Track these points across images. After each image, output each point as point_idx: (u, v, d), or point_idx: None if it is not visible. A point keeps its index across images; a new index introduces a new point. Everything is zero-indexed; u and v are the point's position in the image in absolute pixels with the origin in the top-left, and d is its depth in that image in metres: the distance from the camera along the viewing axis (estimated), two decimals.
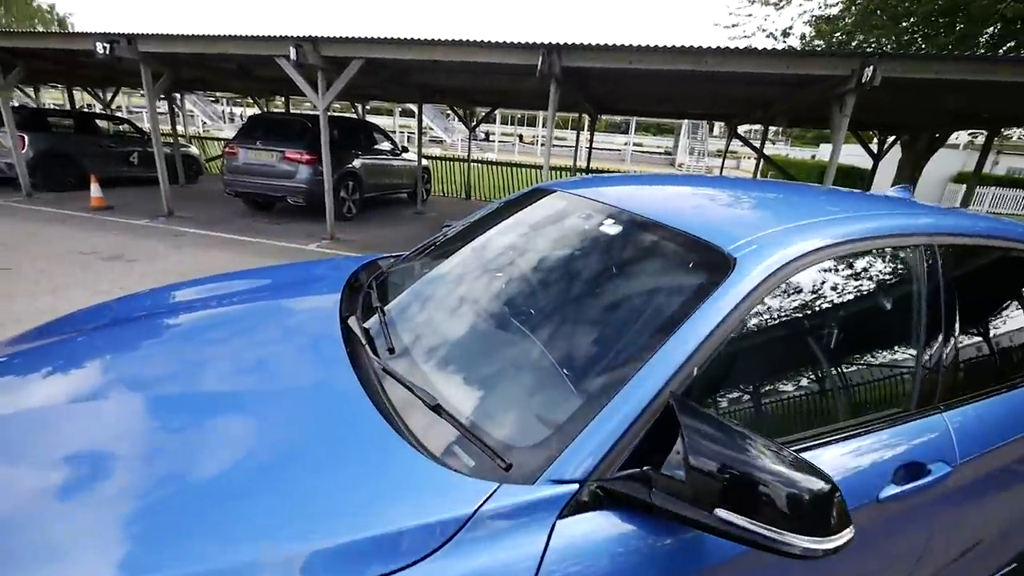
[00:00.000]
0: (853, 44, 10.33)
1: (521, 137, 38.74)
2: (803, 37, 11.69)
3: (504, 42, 4.89)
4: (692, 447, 0.74)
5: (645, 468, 0.81)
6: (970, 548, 1.30)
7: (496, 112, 15.07)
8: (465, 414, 0.94)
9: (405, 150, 9.80)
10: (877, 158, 9.71)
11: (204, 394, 1.07)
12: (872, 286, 1.17)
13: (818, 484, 0.70)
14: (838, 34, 10.38)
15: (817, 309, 1.09)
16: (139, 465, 0.87)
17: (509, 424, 0.92)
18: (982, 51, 8.69)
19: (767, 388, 1.03)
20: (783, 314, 1.02)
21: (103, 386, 1.12)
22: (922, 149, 10.30)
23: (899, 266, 1.18)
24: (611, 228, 1.29)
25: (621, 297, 1.09)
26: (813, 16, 10.97)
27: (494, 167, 11.85)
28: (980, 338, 1.30)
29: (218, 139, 14.47)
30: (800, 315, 1.06)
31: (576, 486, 0.79)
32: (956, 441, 1.13)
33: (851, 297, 1.14)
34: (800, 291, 1.04)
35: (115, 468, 0.86)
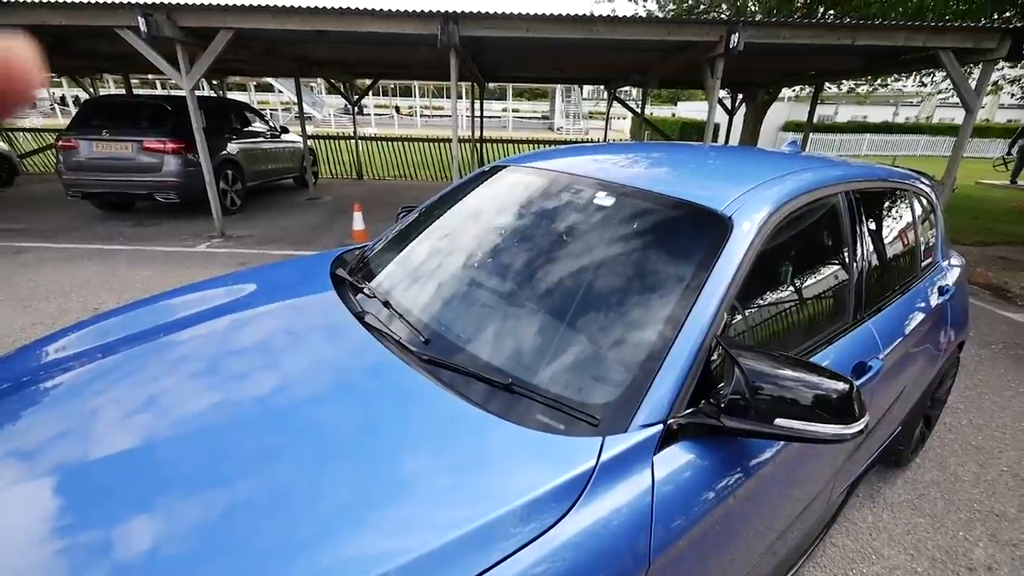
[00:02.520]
0: (700, 8, 11.48)
1: (398, 108, 36.99)
2: (658, 0, 12.73)
3: (399, 11, 4.66)
4: (752, 375, 0.91)
5: (708, 401, 0.98)
6: (884, 420, 1.72)
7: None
8: (539, 387, 1.03)
9: (284, 130, 8.92)
10: (732, 113, 11.04)
11: (297, 412, 1.02)
12: (821, 229, 1.46)
13: (842, 385, 0.92)
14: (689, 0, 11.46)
15: (792, 251, 1.34)
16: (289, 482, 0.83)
17: (581, 388, 1.03)
18: (797, 15, 10.24)
19: (769, 317, 1.26)
20: (771, 257, 1.24)
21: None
22: (761, 103, 11.96)
23: (834, 210, 1.48)
24: (607, 199, 1.42)
25: (648, 260, 1.23)
26: None
27: (386, 143, 11.30)
28: (882, 259, 1.68)
29: (24, 130, 11.79)
30: (781, 256, 1.30)
31: (661, 426, 0.94)
32: (880, 341, 1.49)
33: (810, 239, 1.42)
34: (778, 237, 1.27)
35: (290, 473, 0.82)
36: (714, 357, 1.02)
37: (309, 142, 9.48)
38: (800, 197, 1.35)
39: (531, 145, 11.58)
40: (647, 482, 0.88)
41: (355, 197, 8.82)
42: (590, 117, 35.91)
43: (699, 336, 1.02)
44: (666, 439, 0.94)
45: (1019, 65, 10.82)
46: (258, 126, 8.21)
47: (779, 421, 0.91)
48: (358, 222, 5.76)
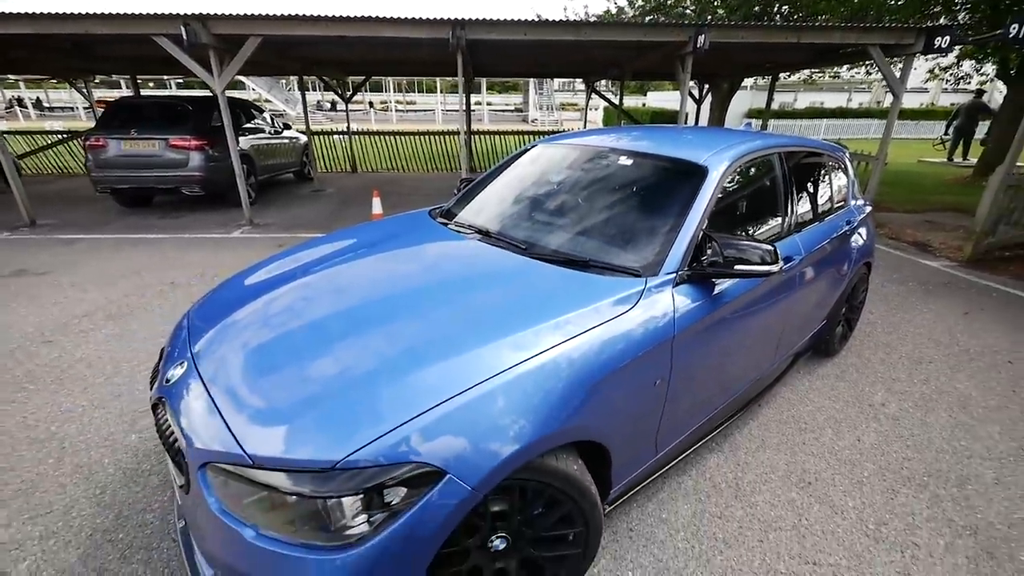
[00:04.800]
0: (668, 3, 12.37)
1: (371, 104, 37.10)
2: None
3: (415, 18, 5.33)
4: (722, 247, 1.72)
5: (700, 262, 1.77)
6: (809, 308, 2.58)
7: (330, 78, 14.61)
8: (605, 260, 1.80)
9: (287, 127, 9.42)
10: (699, 102, 12.01)
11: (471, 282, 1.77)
12: (764, 175, 2.28)
13: (768, 247, 1.72)
14: None
15: (744, 186, 2.16)
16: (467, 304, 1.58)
17: (631, 258, 1.81)
18: (756, 9, 11.26)
19: (730, 222, 2.08)
20: (730, 189, 2.06)
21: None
22: (725, 92, 12.98)
23: (771, 165, 2.30)
24: (628, 160, 2.22)
25: (661, 191, 2.02)
26: None
27: (376, 137, 11.85)
28: (805, 197, 2.53)
29: (18, 132, 11.86)
30: (737, 189, 2.12)
31: (675, 274, 1.73)
32: (802, 247, 2.33)
33: (756, 180, 2.24)
34: (735, 179, 2.08)
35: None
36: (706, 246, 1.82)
37: (304, 138, 9.99)
38: (749, 154, 2.17)
39: (517, 137, 12.32)
40: (670, 299, 1.67)
41: (356, 188, 9.43)
42: (563, 108, 36.77)
43: (693, 229, 1.81)
44: (680, 282, 1.74)
45: (950, 55, 12.13)
46: (262, 123, 8.70)
47: (737, 267, 1.72)
48: (377, 206, 6.43)
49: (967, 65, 12.93)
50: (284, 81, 33.83)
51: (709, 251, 1.76)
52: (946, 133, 15.25)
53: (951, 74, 13.05)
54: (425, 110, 41.55)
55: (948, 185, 10.45)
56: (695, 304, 1.74)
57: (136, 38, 5.50)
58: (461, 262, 1.93)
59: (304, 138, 10.00)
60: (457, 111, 12.54)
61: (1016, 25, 4.59)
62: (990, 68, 12.41)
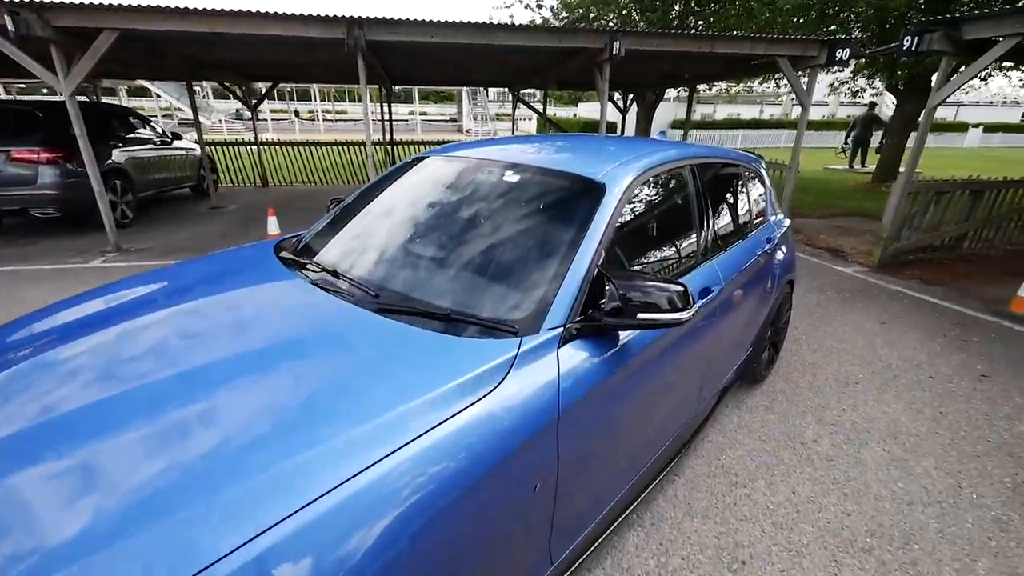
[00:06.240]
0: (591, 16, 12.43)
1: (297, 113, 35.19)
2: (552, 8, 13.56)
3: (302, 15, 4.71)
4: (622, 289, 1.32)
5: (596, 310, 1.36)
6: (735, 339, 2.27)
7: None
8: (472, 313, 1.35)
9: (177, 136, 8.36)
10: (624, 112, 12.10)
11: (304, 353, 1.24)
12: (674, 191, 1.93)
13: (679, 288, 1.35)
14: (580, 9, 12.37)
15: (650, 206, 1.79)
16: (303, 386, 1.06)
17: (503, 310, 1.37)
18: (675, 24, 11.56)
19: (635, 252, 1.70)
20: (634, 210, 1.68)
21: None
22: (649, 103, 13.23)
23: (683, 179, 1.96)
24: (514, 176, 1.79)
25: (547, 216, 1.60)
26: None
27: (292, 148, 10.93)
28: (721, 216, 2.22)
29: None
30: (643, 210, 1.74)
31: (561, 328, 1.30)
32: (721, 274, 2.00)
33: (666, 198, 1.89)
34: (639, 197, 1.71)
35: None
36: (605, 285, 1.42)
37: (206, 149, 8.95)
38: (655, 168, 1.81)
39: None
40: (554, 363, 1.24)
41: (263, 204, 8.52)
42: (497, 119, 36.72)
43: (585, 266, 1.40)
44: (568, 339, 1.31)
45: (847, 70, 13.03)
46: (145, 132, 7.64)
47: (641, 315, 1.32)
48: (272, 226, 5.70)
49: (861, 80, 13.98)
50: (200, 88, 31.38)
51: (608, 293, 1.35)
52: (846, 142, 16.45)
53: (848, 88, 14.02)
54: (355, 119, 40.04)
55: (851, 191, 11.10)
56: (590, 365, 1.33)
57: None
58: (282, 322, 1.40)
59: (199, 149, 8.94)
60: (384, 121, 11.87)
61: (909, 38, 4.71)
62: (879, 83, 13.47)
